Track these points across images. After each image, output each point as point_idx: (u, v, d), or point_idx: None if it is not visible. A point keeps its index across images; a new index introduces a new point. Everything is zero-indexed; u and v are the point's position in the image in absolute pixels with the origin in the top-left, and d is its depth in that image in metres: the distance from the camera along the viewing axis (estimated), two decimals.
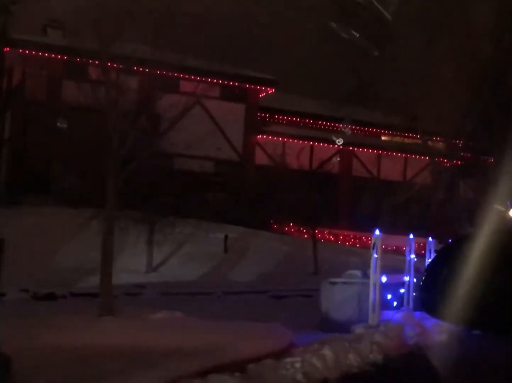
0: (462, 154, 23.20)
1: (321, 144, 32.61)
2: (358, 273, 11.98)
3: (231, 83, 30.82)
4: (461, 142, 22.52)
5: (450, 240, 12.80)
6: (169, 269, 20.47)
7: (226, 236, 23.19)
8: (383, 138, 34.05)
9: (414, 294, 12.76)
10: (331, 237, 30.14)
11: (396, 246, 24.06)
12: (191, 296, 16.82)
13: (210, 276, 20.28)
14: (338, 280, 11.98)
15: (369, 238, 30.29)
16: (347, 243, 30.23)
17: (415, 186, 26.14)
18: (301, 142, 32.10)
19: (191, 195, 22.37)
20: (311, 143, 32.63)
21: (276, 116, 33.90)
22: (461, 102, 20.66)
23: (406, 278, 12.73)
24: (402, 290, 12.75)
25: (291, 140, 32.03)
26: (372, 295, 10.82)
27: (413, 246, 13.32)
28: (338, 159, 32.76)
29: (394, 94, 21.45)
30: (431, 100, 21.35)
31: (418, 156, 28.62)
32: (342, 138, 31.34)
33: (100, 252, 11.25)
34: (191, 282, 19.26)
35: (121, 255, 19.47)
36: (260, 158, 30.82)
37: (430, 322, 11.28)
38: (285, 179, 24.11)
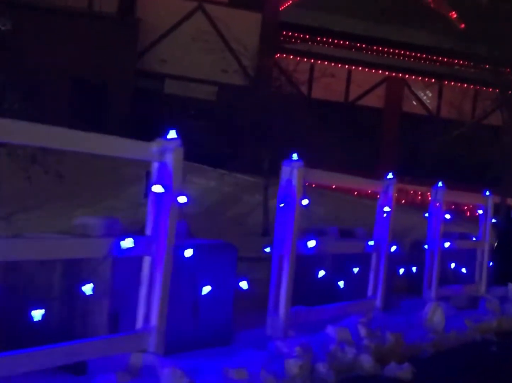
0: None
1: (360, 68, 31.99)
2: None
3: None
4: None
5: None
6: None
7: (147, 174, 21.19)
8: (441, 64, 33.37)
9: None
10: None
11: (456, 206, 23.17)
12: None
13: None
14: None
15: (419, 193, 29.29)
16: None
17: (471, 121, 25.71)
18: (333, 64, 31.04)
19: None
20: (346, 66, 31.87)
21: (302, 35, 32.43)
22: None
23: None
24: None
25: (319, 62, 30.99)
26: None
27: (490, 205, 12.37)
28: None
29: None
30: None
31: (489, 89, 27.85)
32: None
33: None
34: None
35: None
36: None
37: None
38: (306, 110, 23.00)
